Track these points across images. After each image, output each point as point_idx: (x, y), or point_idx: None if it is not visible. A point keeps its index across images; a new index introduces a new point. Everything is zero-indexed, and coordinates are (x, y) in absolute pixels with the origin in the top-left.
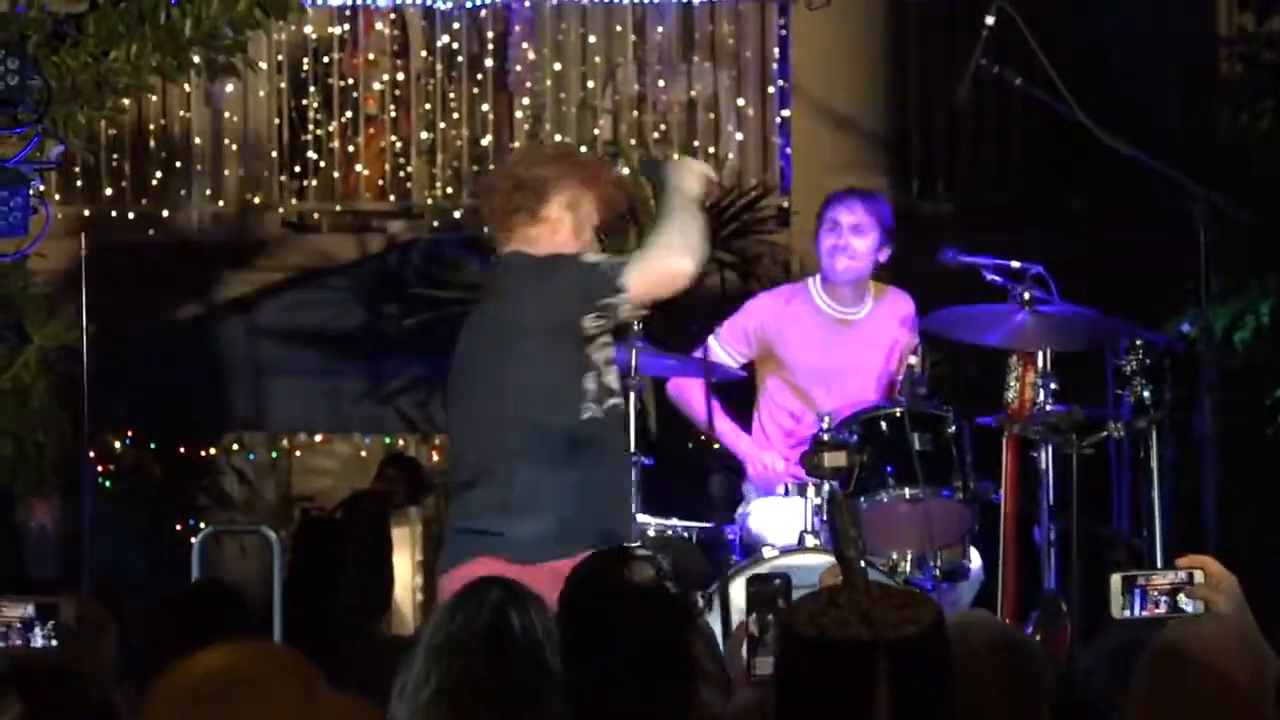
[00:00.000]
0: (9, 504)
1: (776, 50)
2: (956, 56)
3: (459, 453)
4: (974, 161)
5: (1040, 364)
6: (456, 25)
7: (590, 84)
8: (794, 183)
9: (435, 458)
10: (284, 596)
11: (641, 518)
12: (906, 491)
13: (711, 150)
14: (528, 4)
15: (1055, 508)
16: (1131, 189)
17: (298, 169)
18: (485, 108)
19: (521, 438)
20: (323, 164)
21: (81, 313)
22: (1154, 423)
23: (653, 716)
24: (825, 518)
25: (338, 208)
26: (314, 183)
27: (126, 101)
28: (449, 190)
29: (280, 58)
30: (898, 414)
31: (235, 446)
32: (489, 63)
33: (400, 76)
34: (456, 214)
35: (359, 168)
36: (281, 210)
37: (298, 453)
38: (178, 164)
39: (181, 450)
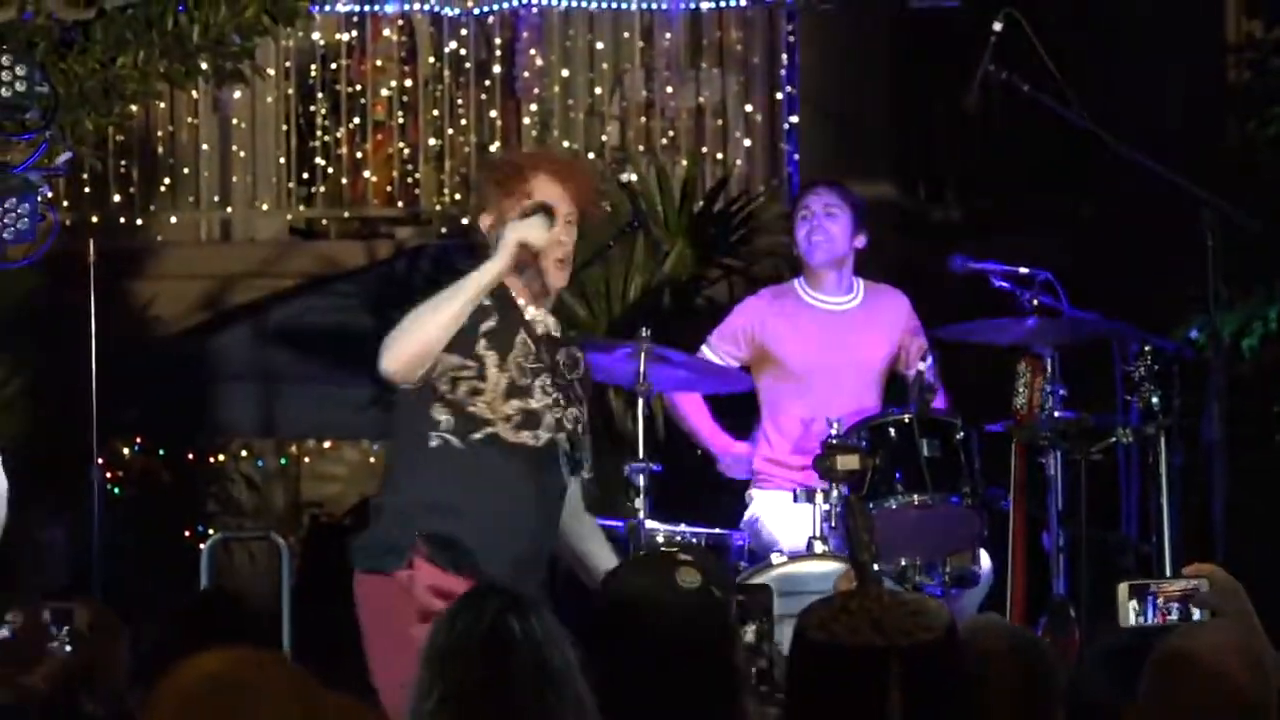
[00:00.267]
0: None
1: (784, 56)
2: (964, 63)
3: None
4: (982, 168)
5: (1049, 370)
6: (464, 31)
7: (598, 90)
8: (801, 189)
9: None
10: (293, 603)
11: (650, 523)
12: (915, 498)
13: (719, 156)
14: (536, 10)
15: (1064, 514)
16: (1139, 195)
17: (305, 175)
18: (493, 114)
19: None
20: (330, 170)
21: (90, 319)
22: (1162, 429)
23: None
24: (836, 522)
25: (346, 214)
26: (322, 189)
27: (134, 108)
28: (457, 196)
29: (288, 64)
30: (906, 420)
31: (244, 453)
32: (497, 69)
33: (408, 83)
34: (464, 220)
35: (367, 174)
36: (289, 216)
37: (306, 459)
38: (185, 170)
39: (190, 457)
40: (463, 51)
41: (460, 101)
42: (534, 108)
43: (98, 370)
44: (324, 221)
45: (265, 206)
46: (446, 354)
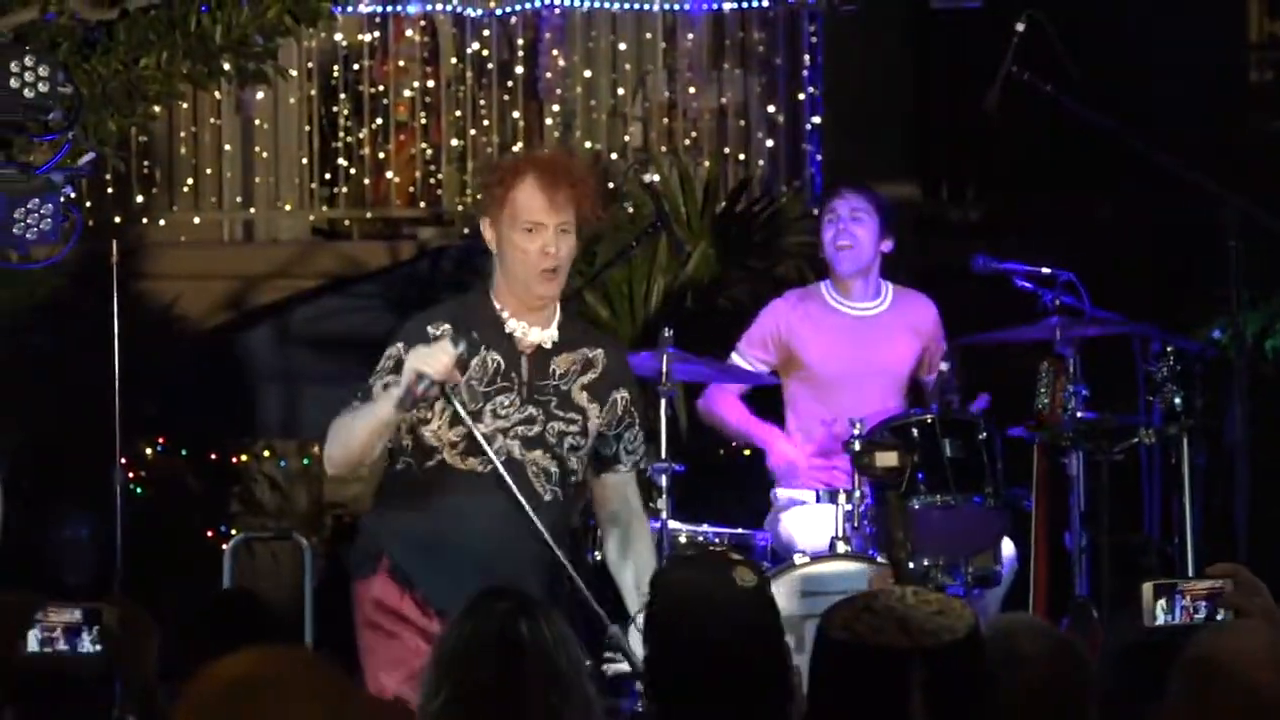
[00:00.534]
0: (43, 512)
1: (806, 57)
2: (985, 64)
3: None
4: (1003, 168)
5: (1071, 370)
6: (487, 32)
7: (621, 91)
8: (824, 190)
9: None
10: (315, 603)
11: (673, 524)
12: (938, 498)
13: (742, 156)
14: (558, 11)
15: (1086, 514)
16: (1161, 195)
17: (328, 176)
18: (516, 115)
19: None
20: (353, 171)
21: (113, 320)
22: (1185, 429)
23: None
24: (859, 522)
25: (368, 215)
26: (344, 189)
27: (157, 109)
28: (479, 197)
29: (311, 65)
30: (929, 420)
31: (266, 453)
32: (519, 70)
33: (431, 83)
34: None
35: (389, 175)
36: (312, 217)
37: None
38: (208, 171)
39: (213, 457)
40: (485, 52)
41: (483, 102)
42: (556, 108)
43: (120, 371)
44: (346, 222)
45: (288, 207)
46: None
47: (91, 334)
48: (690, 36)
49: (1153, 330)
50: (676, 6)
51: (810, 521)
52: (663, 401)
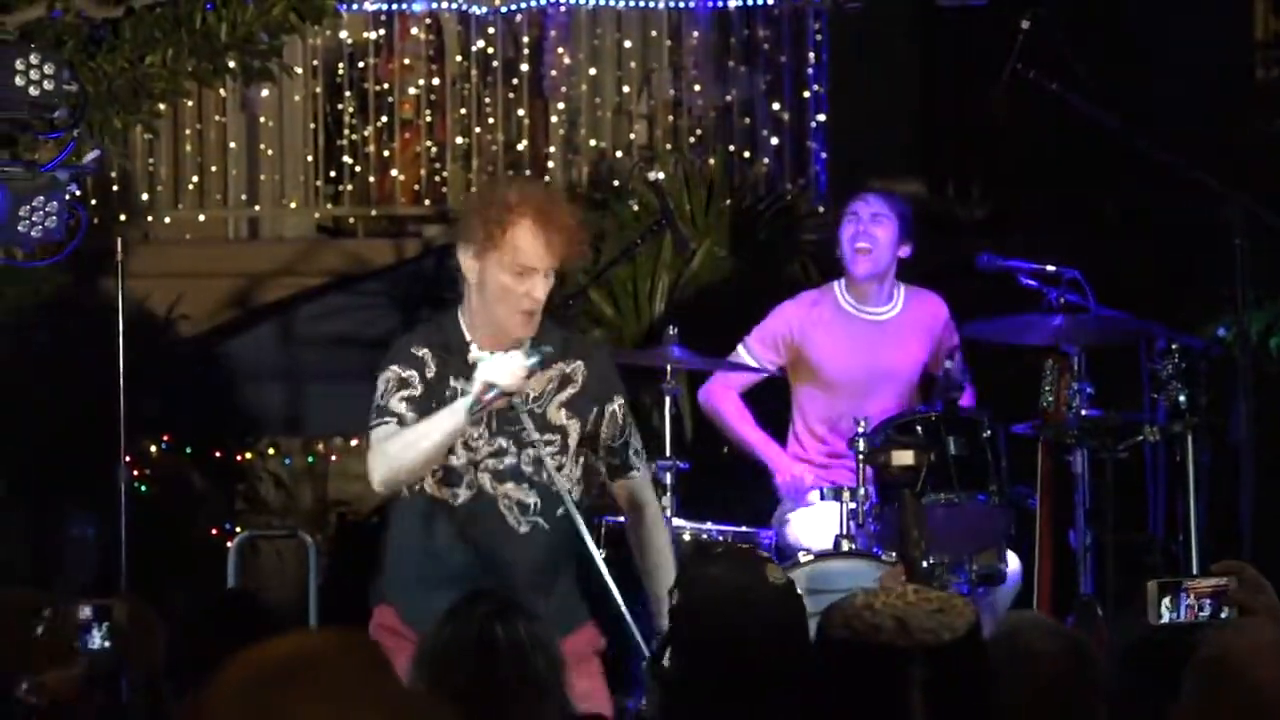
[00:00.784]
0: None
1: (812, 55)
2: (991, 61)
3: None
4: (1008, 166)
5: (1076, 368)
6: (492, 30)
7: (626, 89)
8: (829, 187)
9: None
10: (320, 601)
11: (677, 522)
12: (942, 496)
13: (747, 154)
14: (563, 9)
15: (1090, 512)
16: (1166, 193)
17: (333, 173)
18: (521, 112)
19: None
20: (358, 168)
21: (117, 317)
22: (1189, 427)
23: None
24: (864, 520)
25: (373, 212)
26: (349, 187)
27: (162, 106)
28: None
29: (316, 63)
30: (933, 418)
31: (271, 451)
32: (524, 67)
33: (435, 81)
34: None
35: (394, 172)
36: (317, 215)
37: (334, 457)
38: (213, 168)
39: (217, 455)
40: (490, 50)
41: (488, 100)
42: (561, 106)
43: (125, 368)
44: (351, 220)
45: (293, 205)
46: None
47: (96, 332)
48: (695, 34)
49: (1158, 328)
50: (682, 4)
51: (815, 519)
52: (667, 399)
